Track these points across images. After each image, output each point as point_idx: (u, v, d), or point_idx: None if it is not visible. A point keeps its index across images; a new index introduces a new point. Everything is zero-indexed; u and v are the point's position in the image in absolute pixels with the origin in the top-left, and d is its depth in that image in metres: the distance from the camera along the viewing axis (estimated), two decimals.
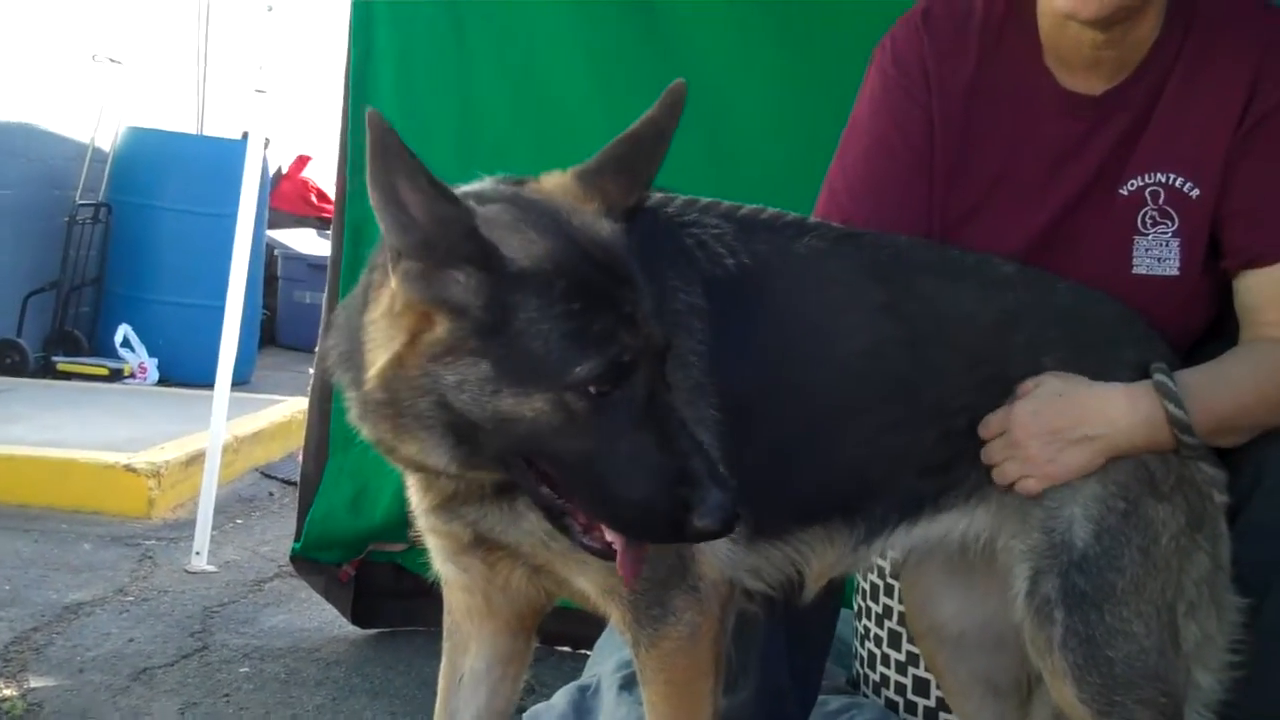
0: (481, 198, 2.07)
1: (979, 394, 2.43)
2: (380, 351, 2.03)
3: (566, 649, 4.28)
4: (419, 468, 2.16)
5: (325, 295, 4.32)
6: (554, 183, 2.14)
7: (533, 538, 2.21)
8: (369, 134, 1.89)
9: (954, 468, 2.44)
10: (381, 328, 2.04)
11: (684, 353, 2.24)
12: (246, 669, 4.06)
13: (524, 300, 1.94)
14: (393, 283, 1.99)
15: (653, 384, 1.98)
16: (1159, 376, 2.39)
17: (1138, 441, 2.37)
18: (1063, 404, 2.38)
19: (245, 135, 6.94)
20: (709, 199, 2.50)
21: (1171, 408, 2.36)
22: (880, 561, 3.19)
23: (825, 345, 2.42)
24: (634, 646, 2.31)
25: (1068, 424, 2.36)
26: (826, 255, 2.47)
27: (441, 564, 2.44)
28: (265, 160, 9.66)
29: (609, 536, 2.01)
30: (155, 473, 6.02)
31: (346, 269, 4.13)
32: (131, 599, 4.72)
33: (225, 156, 8.84)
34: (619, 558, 2.00)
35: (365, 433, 2.14)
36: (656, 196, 2.41)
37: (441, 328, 1.97)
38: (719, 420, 2.29)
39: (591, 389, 1.93)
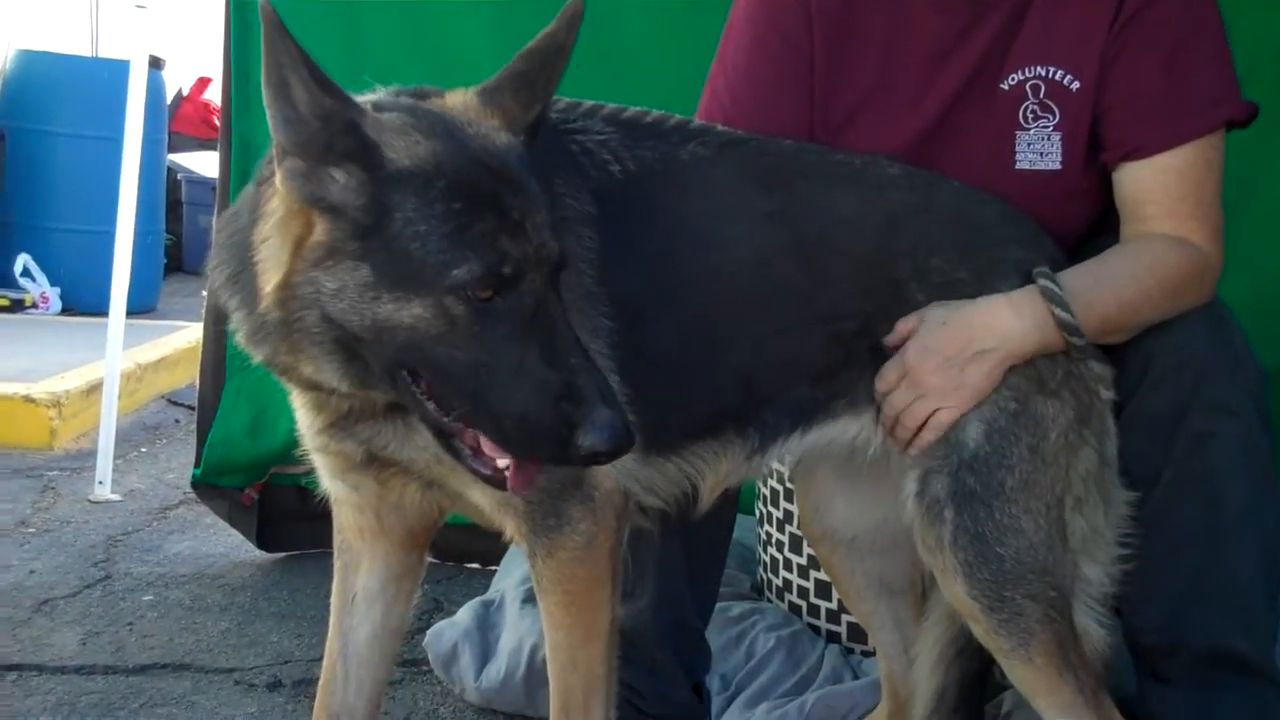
0: (378, 105, 2.03)
1: (867, 298, 2.42)
2: (273, 269, 1.99)
3: (476, 565, 4.27)
4: (314, 387, 2.12)
5: (216, 214, 4.23)
6: (456, 99, 2.10)
7: (426, 454, 2.18)
8: (262, 26, 1.85)
9: (844, 372, 2.44)
10: (273, 244, 2.00)
11: (574, 260, 2.21)
12: (150, 597, 4.01)
13: (402, 200, 1.90)
14: (278, 183, 1.95)
15: (541, 295, 1.94)
16: (1043, 281, 2.39)
17: (1030, 347, 2.38)
18: (949, 330, 2.38)
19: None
20: (592, 102, 2.47)
21: (1058, 311, 2.36)
22: (779, 468, 3.20)
23: (712, 254, 2.40)
24: (530, 558, 2.30)
25: (959, 347, 2.36)
26: (712, 162, 2.45)
27: (330, 482, 2.41)
28: (160, 81, 9.58)
29: (500, 462, 1.98)
30: (55, 403, 5.92)
31: (236, 187, 4.04)
32: (33, 530, 4.65)
33: (120, 79, 8.54)
34: (509, 482, 1.98)
35: (258, 356, 2.10)
36: None
37: (321, 229, 1.93)
38: (611, 329, 2.27)
39: (472, 294, 1.89)
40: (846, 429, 2.47)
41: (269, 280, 1.99)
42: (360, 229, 1.91)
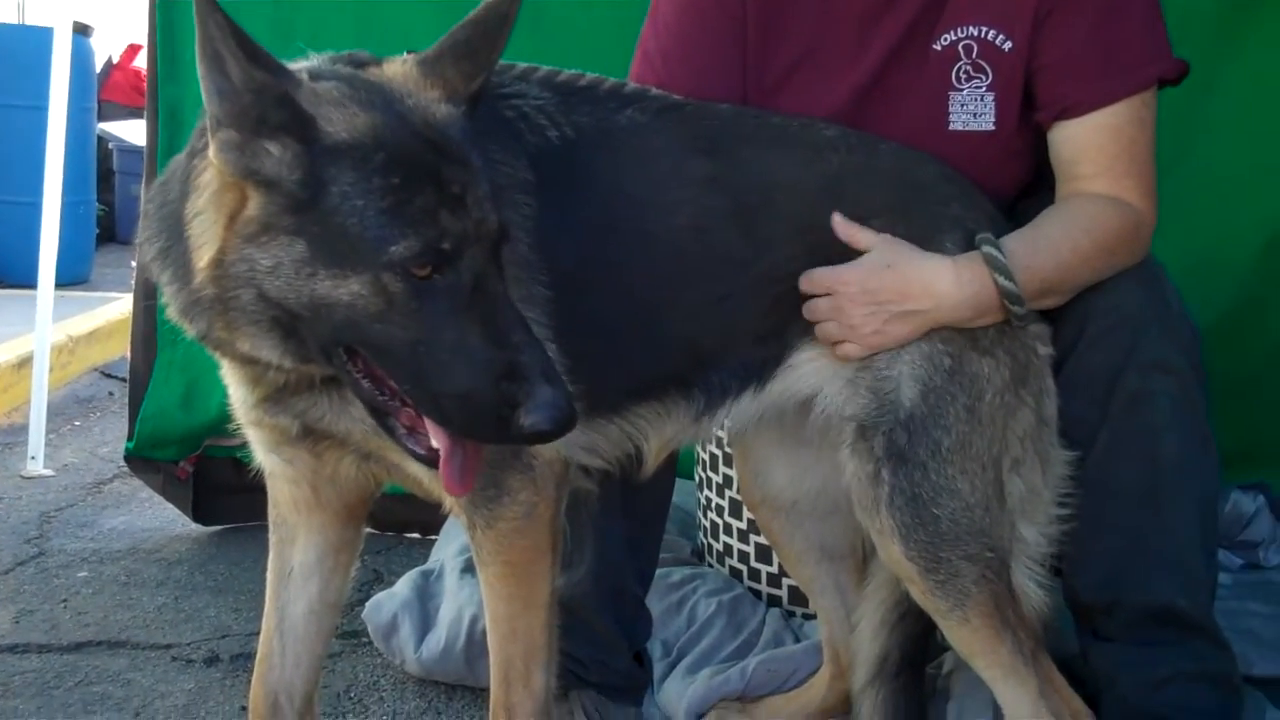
0: (314, 74, 1.98)
1: (808, 260, 2.41)
2: (207, 244, 1.94)
3: (415, 535, 4.24)
4: (251, 362, 2.08)
5: (143, 184, 4.16)
6: (395, 69, 2.05)
7: (362, 425, 2.14)
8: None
9: (786, 333, 2.44)
10: (206, 218, 1.95)
11: (510, 227, 2.18)
12: (85, 573, 3.96)
13: (339, 173, 1.86)
14: (211, 155, 1.90)
15: (482, 271, 1.90)
16: (987, 249, 2.39)
17: (962, 315, 2.38)
18: (890, 275, 2.37)
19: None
20: (526, 64, 2.44)
21: (1002, 280, 2.36)
22: (720, 433, 3.19)
23: (650, 220, 2.38)
24: (470, 530, 2.28)
25: (893, 297, 2.36)
26: (649, 128, 2.43)
27: (264, 456, 2.38)
28: (87, 48, 9.41)
29: (434, 442, 1.95)
30: None
31: (164, 154, 3.98)
32: None
33: (46, 46, 8.39)
34: (441, 467, 1.95)
35: (192, 331, 2.06)
36: None
37: (255, 204, 1.89)
38: (549, 298, 2.25)
39: (410, 271, 1.85)
40: (788, 388, 2.46)
41: (202, 256, 1.94)
42: (295, 203, 1.87)
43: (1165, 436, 2.44)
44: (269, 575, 2.50)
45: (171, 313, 2.08)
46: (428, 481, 2.23)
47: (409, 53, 2.11)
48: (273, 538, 2.49)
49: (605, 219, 2.36)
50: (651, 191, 2.39)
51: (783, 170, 2.44)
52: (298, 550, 2.46)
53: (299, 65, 2.02)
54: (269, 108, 1.85)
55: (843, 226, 2.40)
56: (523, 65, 2.43)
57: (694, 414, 2.44)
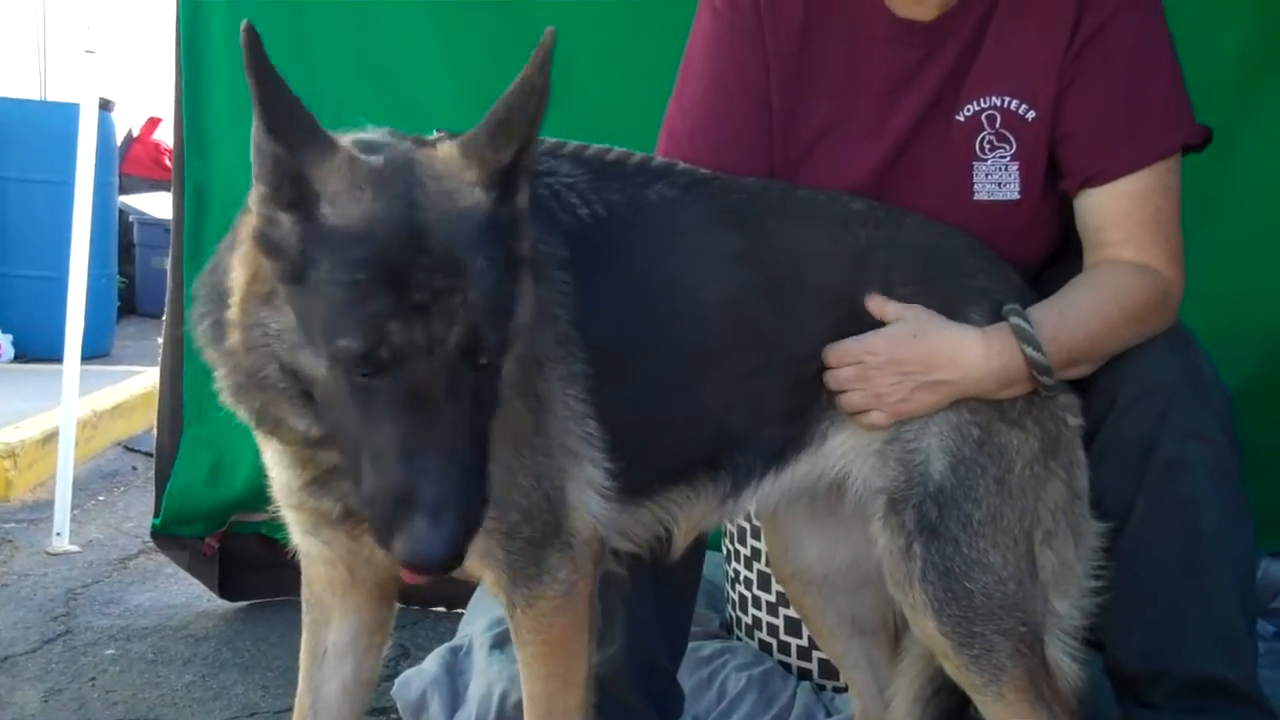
0: (367, 146, 1.98)
1: (834, 334, 2.41)
2: (234, 301, 1.98)
3: (441, 609, 4.22)
4: (304, 443, 2.09)
5: (169, 260, 4.19)
6: (444, 150, 2.01)
7: None
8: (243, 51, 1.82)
9: (812, 409, 2.43)
10: (236, 275, 1.99)
11: (548, 305, 2.19)
12: (112, 651, 3.95)
13: (321, 258, 1.86)
14: (250, 204, 1.94)
15: (425, 385, 1.84)
16: (1015, 319, 2.38)
17: (988, 388, 2.37)
18: (917, 345, 2.37)
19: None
20: (554, 139, 2.44)
21: (1030, 351, 2.35)
22: (748, 513, 3.18)
23: (682, 297, 2.38)
24: (509, 608, 2.27)
25: (920, 367, 2.36)
26: (679, 204, 2.43)
27: (302, 538, 2.38)
28: (110, 123, 9.50)
29: None
30: (10, 453, 5.85)
31: (190, 231, 4.03)
32: None
33: (70, 122, 8.44)
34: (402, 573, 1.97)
35: (244, 413, 2.08)
36: None
37: (267, 265, 1.92)
38: (588, 374, 2.25)
39: (349, 369, 1.84)
40: (815, 465, 2.45)
41: (232, 313, 1.98)
42: (291, 272, 1.89)
43: (1203, 506, 2.42)
44: (303, 655, 2.48)
45: (225, 397, 2.09)
46: (469, 562, 2.21)
47: (438, 131, 2.12)
48: (307, 618, 2.48)
49: (638, 296, 2.36)
50: (683, 268, 2.40)
51: (811, 243, 2.44)
52: (332, 631, 2.46)
53: (358, 136, 2.02)
54: (283, 179, 1.88)
55: (875, 304, 2.40)
56: (550, 140, 2.43)
57: (720, 496, 2.43)
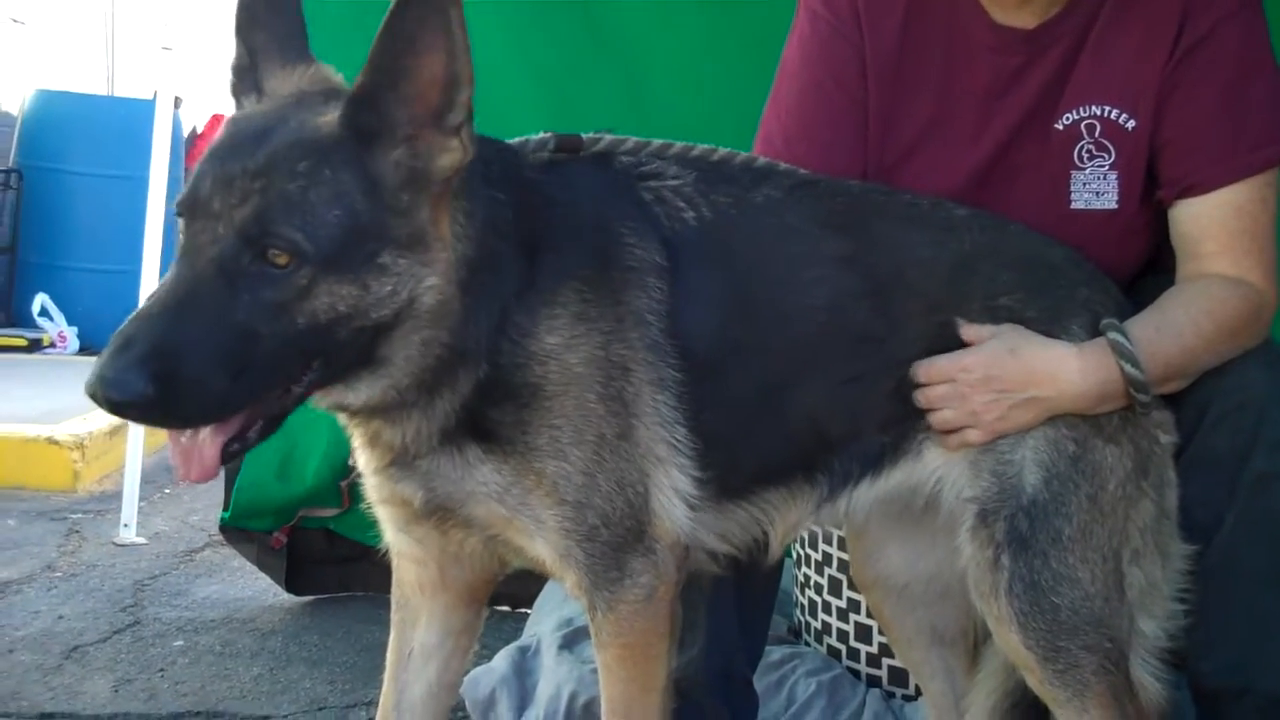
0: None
1: (936, 340, 2.39)
2: None
3: (506, 608, 4.23)
4: (365, 412, 2.14)
5: None
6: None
7: (485, 488, 2.16)
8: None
9: (910, 416, 2.41)
10: None
11: (640, 311, 2.20)
12: (181, 642, 3.99)
13: None
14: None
15: (196, 243, 1.92)
16: (1113, 335, 2.36)
17: (1084, 404, 2.35)
18: (1014, 362, 2.35)
19: (156, 95, 6.79)
20: (670, 143, 2.44)
21: (1128, 368, 2.33)
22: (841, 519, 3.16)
23: (787, 300, 2.37)
24: (590, 610, 2.26)
25: (1016, 384, 2.34)
26: (784, 206, 2.42)
27: (394, 535, 2.39)
28: (178, 120, 9.59)
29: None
30: (79, 444, 5.91)
31: None
32: (60, 575, 4.63)
33: (137, 118, 8.63)
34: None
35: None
36: (606, 139, 2.36)
37: None
38: (679, 380, 2.23)
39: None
40: (910, 473, 2.43)
41: None
42: None
43: None
44: (389, 654, 2.48)
45: None
46: (551, 563, 2.23)
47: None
48: (395, 617, 2.48)
49: (741, 299, 2.34)
50: (789, 270, 2.38)
51: (916, 248, 2.43)
52: (419, 632, 2.46)
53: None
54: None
55: (969, 332, 2.38)
56: (658, 142, 2.43)
57: (817, 500, 2.41)
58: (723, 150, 2.47)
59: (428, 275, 2.00)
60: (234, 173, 1.93)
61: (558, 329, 2.15)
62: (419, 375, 2.07)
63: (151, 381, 1.83)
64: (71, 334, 8.90)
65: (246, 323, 1.90)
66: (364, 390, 2.07)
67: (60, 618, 4.14)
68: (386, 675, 2.48)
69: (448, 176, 2.02)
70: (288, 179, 1.93)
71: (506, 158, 2.25)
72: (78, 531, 5.20)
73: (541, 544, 2.20)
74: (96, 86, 11.20)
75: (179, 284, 1.90)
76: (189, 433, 1.95)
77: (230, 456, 1.98)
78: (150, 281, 4.98)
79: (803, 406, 2.36)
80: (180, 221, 1.95)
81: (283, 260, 1.91)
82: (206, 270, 1.90)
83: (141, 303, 1.94)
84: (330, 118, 1.99)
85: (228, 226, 1.91)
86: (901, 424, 2.40)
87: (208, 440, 1.96)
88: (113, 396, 1.84)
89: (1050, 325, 2.40)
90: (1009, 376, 2.34)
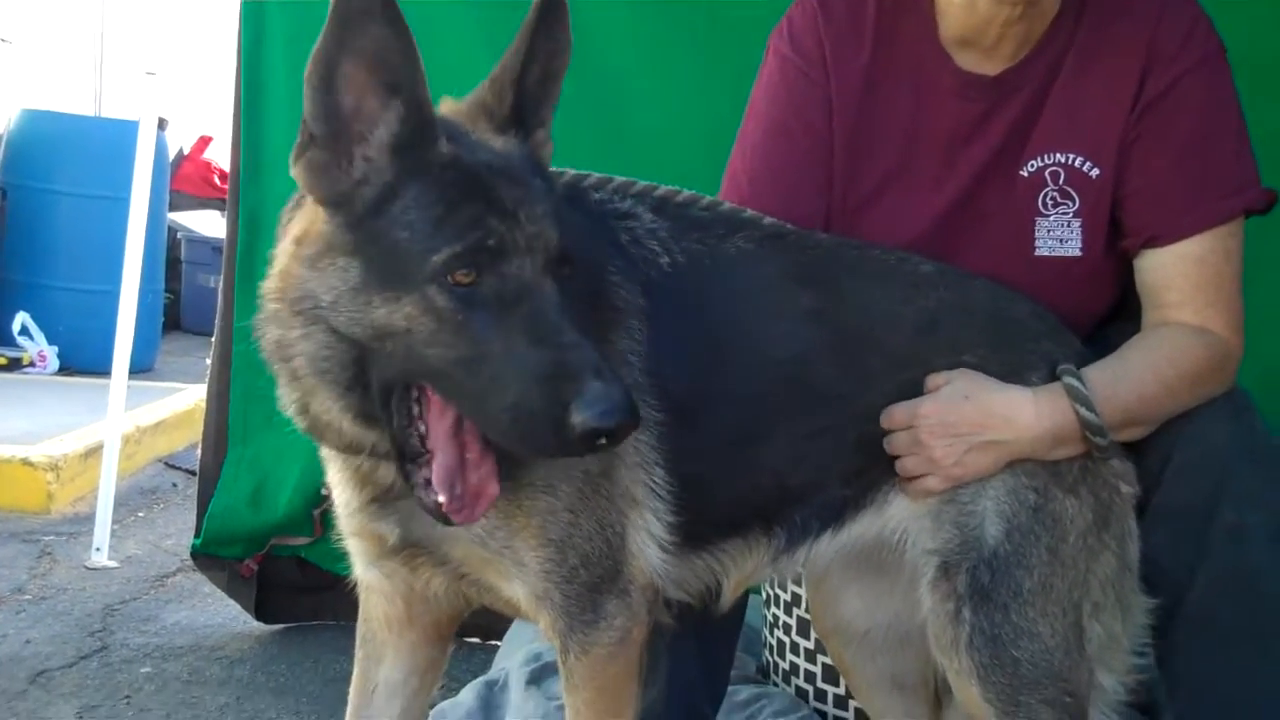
0: None
1: (899, 396, 2.40)
2: (277, 267, 2.02)
3: (476, 640, 4.21)
4: (352, 448, 2.11)
5: (221, 282, 4.21)
6: (448, 107, 2.11)
7: (469, 530, 2.13)
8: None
9: (871, 470, 2.41)
10: (280, 248, 2.04)
11: (623, 351, 2.21)
12: (148, 669, 3.97)
13: (407, 186, 1.91)
14: (295, 174, 1.97)
15: (531, 283, 1.90)
16: (1068, 379, 2.37)
17: (1041, 449, 2.36)
18: (969, 407, 2.36)
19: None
20: (633, 181, 2.46)
21: (1083, 411, 2.34)
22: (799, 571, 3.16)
23: (754, 352, 2.38)
24: (563, 653, 2.26)
25: (972, 429, 2.35)
26: (755, 257, 2.43)
27: (363, 570, 2.38)
28: (164, 142, 9.59)
29: (440, 497, 1.95)
30: (53, 466, 5.87)
31: (243, 254, 4.04)
32: (29, 598, 4.60)
33: (123, 138, 8.57)
34: (452, 513, 1.96)
35: (295, 416, 2.10)
36: (569, 174, 2.38)
37: (322, 223, 1.95)
38: (659, 421, 2.24)
39: (454, 279, 1.87)
40: (870, 525, 2.43)
41: (271, 283, 2.02)
42: (357, 217, 1.93)
43: (1266, 574, 2.39)
44: (352, 692, 2.47)
45: (290, 410, 2.11)
46: (524, 604, 2.22)
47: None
48: (359, 653, 2.47)
49: (713, 348, 2.35)
50: (758, 322, 2.39)
51: (883, 304, 2.44)
52: (384, 668, 2.45)
53: None
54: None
55: (929, 380, 2.40)
56: (620, 179, 2.45)
57: (774, 552, 2.41)
58: (686, 192, 2.48)
59: None
60: (527, 210, 1.95)
61: None
62: None
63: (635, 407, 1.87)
64: (51, 353, 8.85)
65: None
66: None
67: (28, 642, 4.12)
68: (349, 711, 2.47)
69: None
70: (546, 201, 2.01)
71: None
72: (49, 554, 5.16)
73: (519, 585, 2.20)
74: (84, 107, 11.22)
75: (551, 316, 1.90)
76: (482, 471, 1.97)
77: None
78: (129, 303, 4.97)
79: (767, 458, 2.36)
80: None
81: (567, 271, 1.99)
82: (559, 303, 1.93)
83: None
84: (503, 138, 2.07)
85: (543, 250, 1.94)
86: (864, 477, 2.41)
87: (490, 476, 1.98)
88: (628, 423, 1.86)
89: (1010, 377, 2.41)
90: (964, 420, 2.35)
